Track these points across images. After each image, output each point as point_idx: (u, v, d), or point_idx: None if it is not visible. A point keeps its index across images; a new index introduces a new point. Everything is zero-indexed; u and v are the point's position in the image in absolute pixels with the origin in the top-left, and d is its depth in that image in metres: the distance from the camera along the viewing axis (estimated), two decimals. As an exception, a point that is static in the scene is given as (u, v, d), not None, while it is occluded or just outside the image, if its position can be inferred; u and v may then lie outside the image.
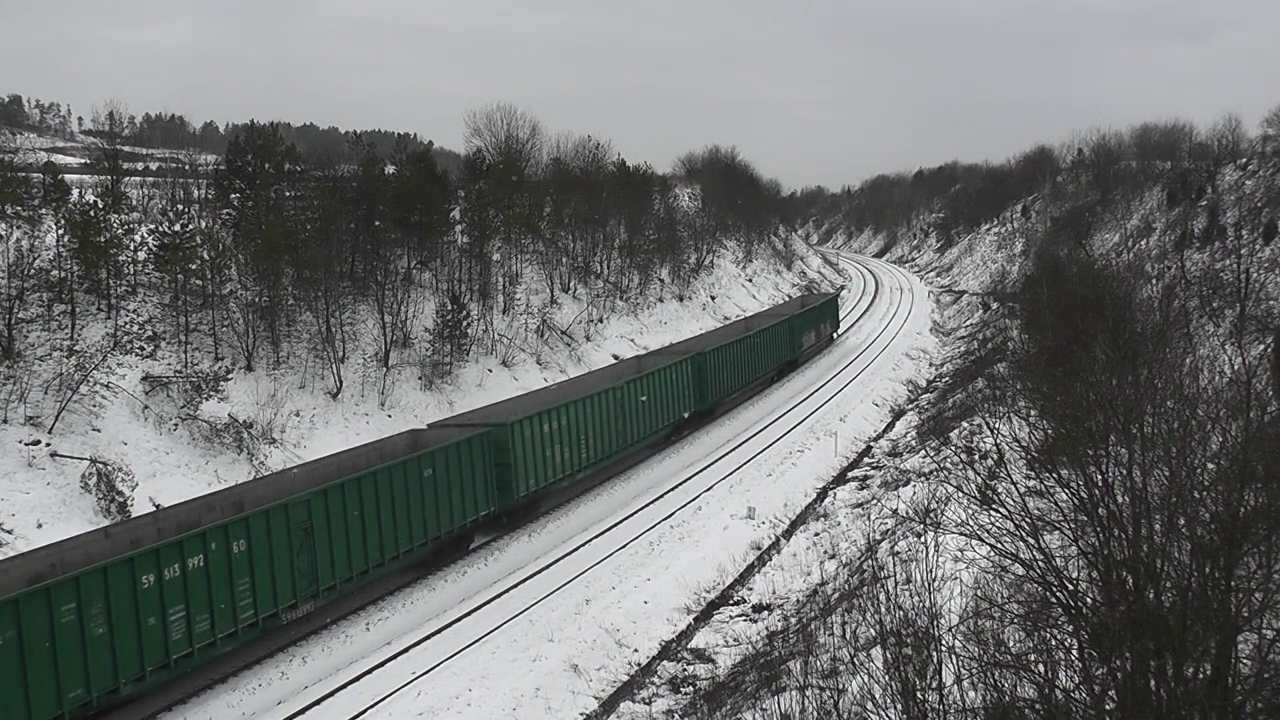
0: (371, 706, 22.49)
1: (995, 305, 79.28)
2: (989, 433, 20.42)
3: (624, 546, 32.63)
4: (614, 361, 55.81)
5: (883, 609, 14.77)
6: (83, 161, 75.49)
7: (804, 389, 59.10)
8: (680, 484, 39.88)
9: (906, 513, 26.20)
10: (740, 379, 53.17)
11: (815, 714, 16.00)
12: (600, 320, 64.71)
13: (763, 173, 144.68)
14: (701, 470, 41.78)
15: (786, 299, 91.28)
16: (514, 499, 33.14)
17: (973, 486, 15.58)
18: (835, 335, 77.67)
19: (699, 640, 25.82)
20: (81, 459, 31.33)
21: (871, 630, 16.73)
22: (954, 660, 12.87)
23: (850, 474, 40.85)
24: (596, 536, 33.80)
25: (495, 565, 31.65)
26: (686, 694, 22.59)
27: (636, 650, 25.14)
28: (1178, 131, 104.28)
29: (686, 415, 46.36)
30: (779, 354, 60.23)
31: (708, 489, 38.83)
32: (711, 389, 48.61)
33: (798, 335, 63.92)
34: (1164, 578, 12.08)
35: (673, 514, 35.86)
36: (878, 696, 13.15)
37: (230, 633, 23.05)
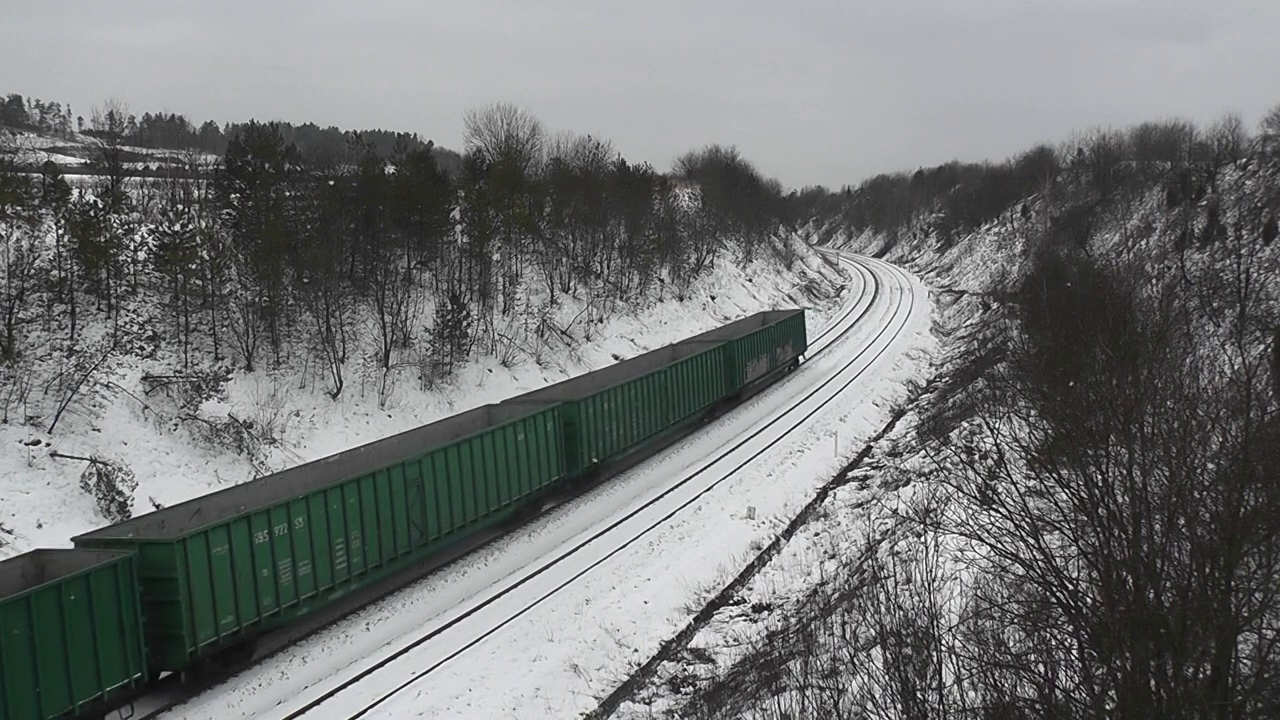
0: (371, 706, 22.49)
1: (995, 305, 79.29)
2: (989, 433, 20.43)
3: (624, 546, 32.63)
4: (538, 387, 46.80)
5: (883, 609, 14.78)
6: (83, 161, 75.53)
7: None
8: (680, 484, 39.86)
9: (906, 513, 26.22)
10: (642, 429, 41.89)
11: (815, 714, 16.00)
12: (600, 320, 64.72)
13: (763, 173, 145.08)
14: (701, 470, 41.77)
15: (767, 309, 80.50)
16: (185, 653, 22.48)
17: (973, 486, 15.58)
18: (802, 358, 67.00)
19: (699, 640, 25.82)
20: (81, 459, 31.33)
21: (871, 630, 16.73)
22: (954, 660, 12.87)
23: (850, 474, 40.85)
24: (596, 536, 33.79)
25: (495, 565, 31.65)
26: (686, 694, 22.59)
27: (636, 650, 25.15)
28: (1178, 131, 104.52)
29: (542, 487, 35.20)
30: (709, 390, 49.05)
31: (708, 489, 38.82)
32: (589, 448, 37.73)
33: (740, 364, 52.80)
34: (1164, 578, 12.08)
35: (673, 514, 35.84)
36: (878, 696, 13.15)
37: None
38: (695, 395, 47.51)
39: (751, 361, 54.90)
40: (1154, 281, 53.75)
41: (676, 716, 21.39)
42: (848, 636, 20.71)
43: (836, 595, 25.09)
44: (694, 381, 47.35)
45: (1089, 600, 12.69)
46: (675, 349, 53.09)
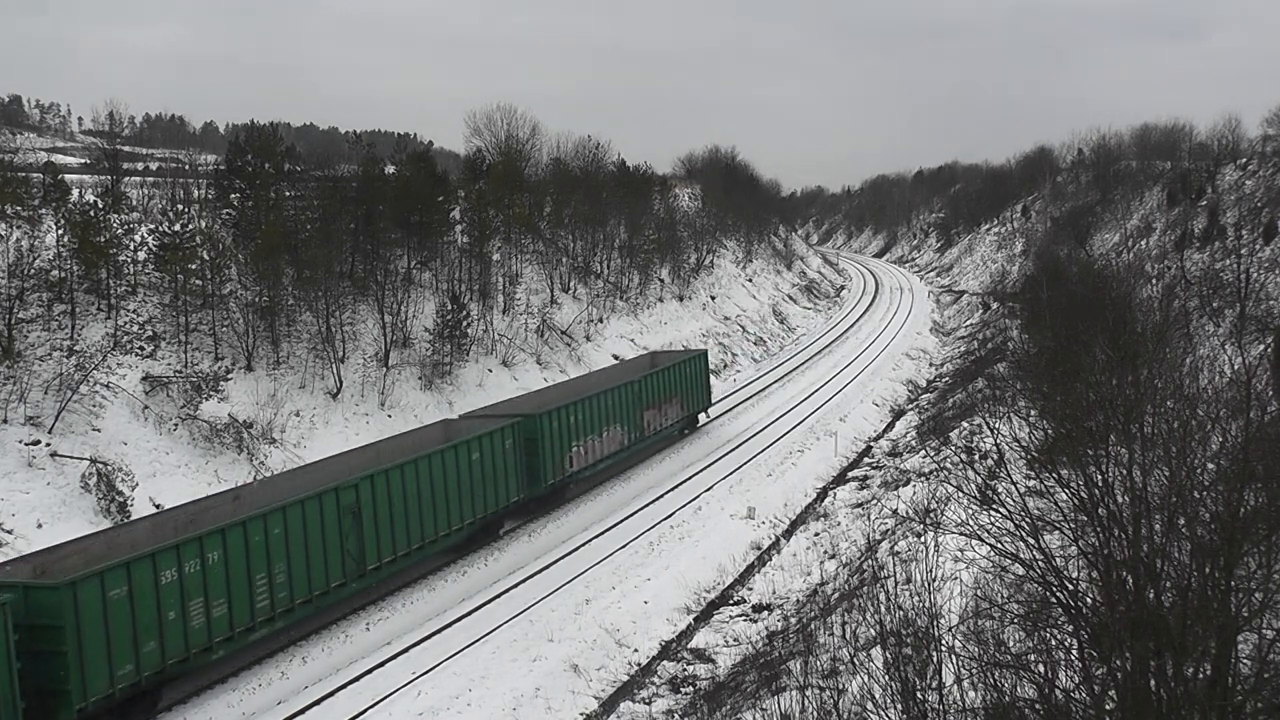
0: (371, 706, 22.51)
1: (995, 305, 79.33)
2: (989, 433, 20.44)
3: (624, 546, 32.64)
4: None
5: (883, 609, 14.78)
6: (83, 161, 75.49)
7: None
8: (680, 484, 39.87)
9: (906, 513, 26.27)
10: (311, 582, 25.49)
11: (815, 714, 16.00)
12: (600, 320, 64.70)
13: (763, 173, 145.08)
14: (701, 470, 41.77)
15: (659, 349, 57.39)
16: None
17: (973, 486, 15.58)
18: (704, 416, 50.12)
19: (699, 640, 25.83)
20: (81, 459, 31.33)
21: (871, 630, 16.74)
22: (954, 660, 12.87)
23: (850, 474, 40.87)
24: (596, 536, 33.80)
25: (495, 565, 31.66)
26: (686, 694, 22.60)
27: (636, 650, 25.16)
28: (1178, 131, 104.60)
29: None
30: (482, 497, 31.96)
31: (708, 489, 38.83)
32: (124, 651, 20.86)
33: (555, 448, 35.88)
34: (1164, 578, 12.08)
35: (673, 514, 35.85)
36: (878, 696, 13.15)
37: None
38: (447, 509, 30.31)
39: (584, 440, 37.80)
40: (1154, 281, 53.76)
41: (676, 716, 21.40)
42: (848, 636, 20.72)
43: (836, 595, 25.09)
44: (442, 487, 30.10)
45: (1089, 600, 12.69)
46: (450, 426, 35.73)
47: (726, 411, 53.60)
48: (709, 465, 42.63)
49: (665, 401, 44.61)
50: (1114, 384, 20.96)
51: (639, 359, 52.20)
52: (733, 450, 45.12)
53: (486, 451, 32.34)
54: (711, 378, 52.48)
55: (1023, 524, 13.10)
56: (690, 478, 40.71)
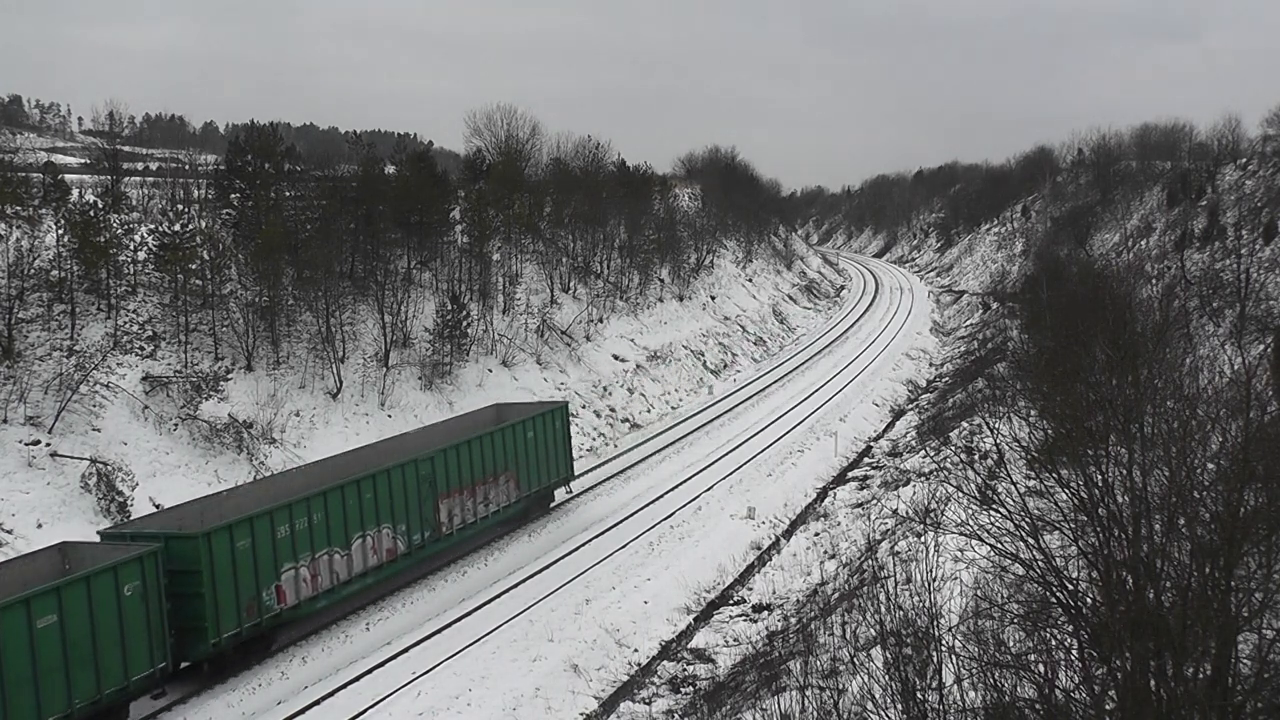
0: (371, 706, 22.51)
1: (995, 305, 79.34)
2: (989, 433, 20.45)
3: (624, 546, 32.63)
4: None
5: (883, 609, 14.78)
6: (83, 161, 75.45)
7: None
8: (680, 484, 39.84)
9: (906, 513, 26.26)
10: None
11: (815, 714, 16.00)
12: (600, 320, 64.66)
13: (763, 173, 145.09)
14: (701, 470, 41.74)
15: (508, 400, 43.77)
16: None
17: (973, 486, 15.58)
18: (563, 493, 38.22)
19: (699, 640, 25.83)
20: (81, 459, 31.33)
21: (871, 630, 16.74)
22: (954, 660, 12.87)
23: (850, 474, 40.87)
24: (596, 536, 33.78)
25: (495, 565, 31.65)
26: (686, 694, 22.60)
27: (636, 650, 25.16)
28: (1178, 131, 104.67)
29: None
30: (75, 680, 20.19)
31: (708, 489, 38.81)
32: None
33: (248, 576, 24.20)
34: (1164, 578, 12.08)
35: (673, 514, 35.84)
36: (878, 696, 13.15)
37: None
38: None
39: (312, 558, 26.08)
40: (1154, 281, 53.75)
41: (676, 716, 21.40)
42: (848, 636, 20.72)
43: (836, 595, 25.09)
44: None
45: (1089, 600, 12.69)
46: (71, 552, 23.43)
47: (727, 411, 53.60)
48: (709, 465, 42.42)
49: (485, 480, 32.66)
50: (1114, 384, 20.98)
51: (481, 412, 39.34)
52: (734, 449, 42.19)
53: (76, 611, 20.37)
54: (574, 436, 40.14)
55: (1023, 524, 13.10)
56: (690, 478, 40.45)
